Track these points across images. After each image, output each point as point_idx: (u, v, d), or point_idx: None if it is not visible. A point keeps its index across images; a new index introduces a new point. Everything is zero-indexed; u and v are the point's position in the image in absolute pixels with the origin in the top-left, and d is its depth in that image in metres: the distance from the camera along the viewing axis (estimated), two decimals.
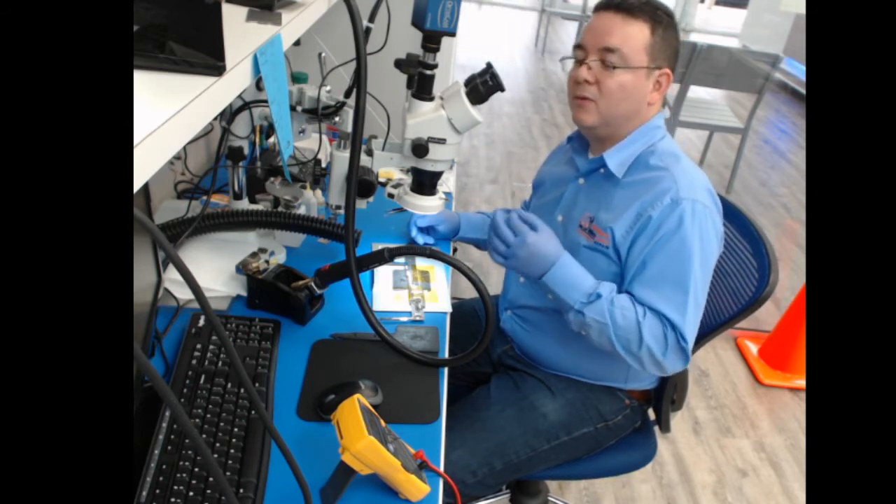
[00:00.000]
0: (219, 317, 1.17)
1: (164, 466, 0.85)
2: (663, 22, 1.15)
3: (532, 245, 1.11)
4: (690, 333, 1.10)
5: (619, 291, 1.17)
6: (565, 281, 1.12)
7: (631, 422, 1.32)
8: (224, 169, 1.37)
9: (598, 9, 1.18)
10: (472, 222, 1.51)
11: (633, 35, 1.13)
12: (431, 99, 1.11)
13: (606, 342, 1.11)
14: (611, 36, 1.13)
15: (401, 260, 1.40)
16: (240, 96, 1.23)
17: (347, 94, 1.27)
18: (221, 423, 0.94)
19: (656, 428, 1.41)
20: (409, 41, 1.18)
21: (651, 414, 1.40)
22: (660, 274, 1.11)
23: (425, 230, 1.47)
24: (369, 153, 1.19)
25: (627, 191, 1.16)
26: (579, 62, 1.18)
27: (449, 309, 1.30)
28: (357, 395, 0.87)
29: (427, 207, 1.21)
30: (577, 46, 1.19)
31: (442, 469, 0.95)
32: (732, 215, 1.38)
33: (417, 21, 1.05)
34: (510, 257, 1.13)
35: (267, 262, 1.22)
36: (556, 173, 1.36)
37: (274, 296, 1.19)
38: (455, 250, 1.71)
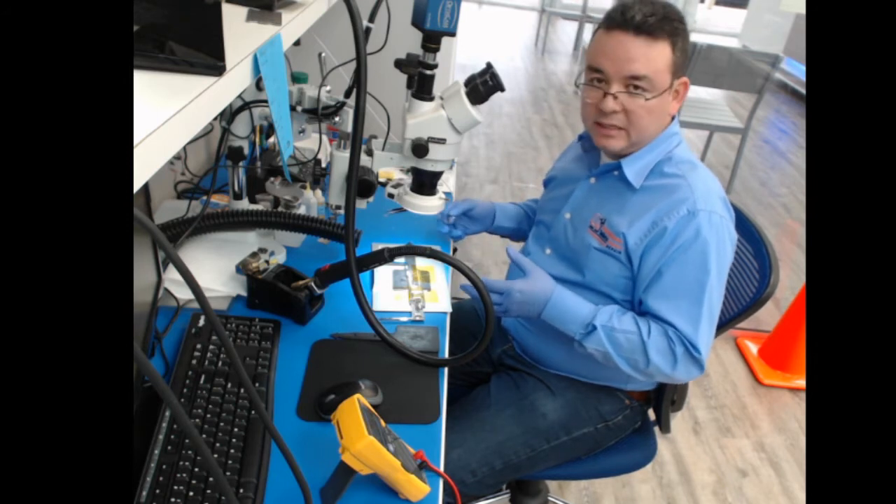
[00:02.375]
0: (219, 317, 1.17)
1: (164, 466, 0.85)
2: (680, 33, 1.10)
3: (520, 293, 1.15)
4: (704, 344, 1.10)
5: (632, 299, 1.18)
6: (561, 316, 1.16)
7: (631, 422, 1.32)
8: (224, 169, 1.37)
9: (611, 27, 1.10)
10: (507, 212, 1.49)
11: (658, 58, 1.08)
12: (431, 99, 1.11)
13: (613, 365, 1.14)
14: (636, 63, 1.08)
15: (401, 260, 1.40)
16: (240, 96, 1.23)
17: (347, 94, 1.27)
18: (221, 423, 0.94)
19: (656, 428, 1.41)
20: (409, 41, 1.18)
21: (651, 414, 1.40)
22: (675, 285, 1.11)
23: (457, 219, 1.41)
24: (369, 153, 1.19)
25: (642, 196, 1.16)
26: (598, 87, 1.13)
27: (449, 309, 1.30)
28: (357, 395, 0.87)
29: (427, 207, 1.21)
30: (594, 70, 1.13)
31: (442, 469, 0.95)
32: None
33: (417, 21, 1.05)
34: (507, 311, 1.17)
35: (267, 262, 1.22)
36: (568, 170, 1.36)
37: (274, 296, 1.19)
38: (455, 250, 1.72)
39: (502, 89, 1.09)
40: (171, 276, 1.17)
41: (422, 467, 0.91)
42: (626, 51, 1.08)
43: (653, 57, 1.08)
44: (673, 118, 1.20)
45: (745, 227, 1.35)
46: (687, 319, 1.10)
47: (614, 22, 1.10)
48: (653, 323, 1.12)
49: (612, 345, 1.12)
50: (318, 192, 1.47)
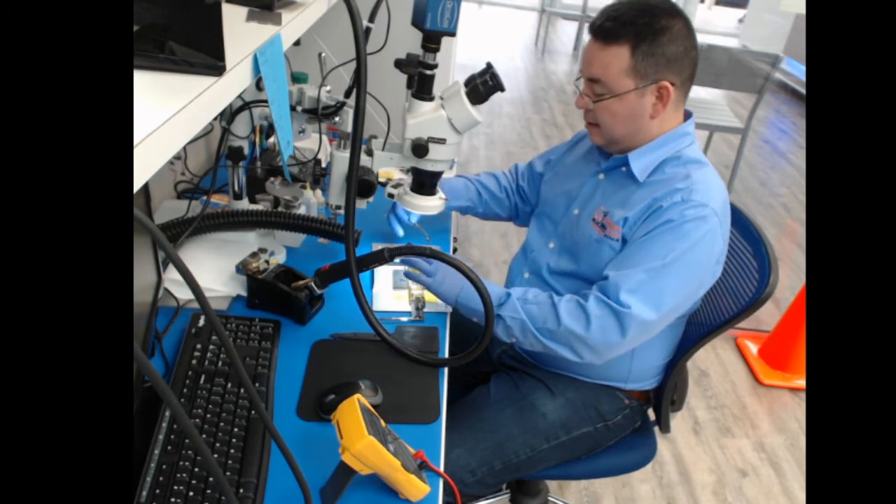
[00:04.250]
0: (219, 317, 1.17)
1: (164, 466, 0.85)
2: (647, 37, 1.09)
3: (447, 267, 1.17)
4: (635, 301, 1.07)
5: None
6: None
7: (630, 422, 1.32)
8: (224, 169, 1.37)
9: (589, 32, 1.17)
10: (455, 190, 1.48)
11: (610, 62, 1.12)
12: (431, 99, 1.11)
13: (534, 340, 1.13)
14: (591, 66, 1.15)
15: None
16: (240, 96, 1.23)
17: (347, 94, 1.27)
18: (221, 423, 0.94)
19: (656, 428, 1.41)
20: (409, 41, 1.18)
21: (651, 414, 1.40)
22: (635, 253, 1.11)
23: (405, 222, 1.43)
24: (369, 153, 1.19)
25: (646, 190, 1.17)
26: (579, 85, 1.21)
27: (449, 309, 1.30)
28: (357, 395, 0.87)
29: (427, 207, 1.21)
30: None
31: (442, 469, 0.95)
32: (733, 215, 1.37)
33: (417, 21, 1.05)
34: (434, 276, 1.18)
35: (267, 262, 1.22)
36: (577, 166, 1.36)
37: (274, 296, 1.19)
38: (455, 250, 1.72)
39: (502, 89, 1.09)
40: (171, 276, 1.17)
41: (422, 467, 0.92)
42: (587, 54, 1.16)
43: (606, 61, 1.12)
44: (689, 116, 1.22)
45: (744, 227, 1.35)
46: (623, 277, 1.09)
47: (589, 27, 1.17)
48: (567, 294, 1.14)
49: (526, 313, 1.13)
50: (318, 192, 1.47)
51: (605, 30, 1.11)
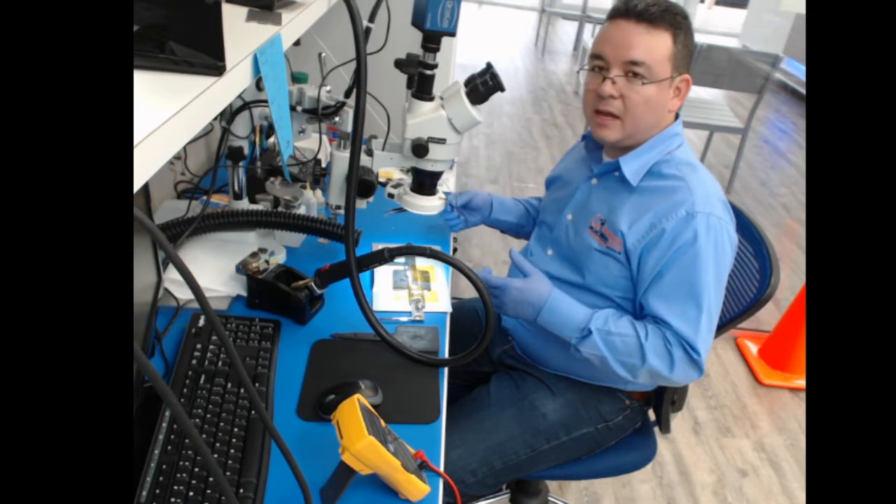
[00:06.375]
0: (219, 317, 1.17)
1: (164, 466, 0.85)
2: (683, 27, 1.12)
3: (517, 292, 1.15)
4: (703, 346, 1.10)
5: (633, 299, 1.17)
6: (557, 321, 1.15)
7: (631, 422, 1.32)
8: (224, 169, 1.37)
9: (615, 17, 1.14)
10: (506, 206, 1.51)
11: (657, 46, 1.10)
12: (431, 99, 1.11)
13: (610, 370, 1.14)
14: (635, 48, 1.10)
15: (401, 260, 1.40)
16: (240, 96, 1.23)
17: (347, 94, 1.27)
18: (221, 423, 0.94)
19: (656, 428, 1.41)
20: (409, 41, 1.18)
21: (651, 414, 1.40)
22: (674, 287, 1.11)
23: (460, 208, 1.47)
24: (369, 153, 1.19)
25: (641, 197, 1.16)
26: (598, 73, 1.15)
27: (449, 309, 1.30)
28: (357, 395, 0.87)
29: (427, 207, 1.21)
30: (596, 56, 1.15)
31: (442, 469, 0.94)
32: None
33: (417, 21, 1.05)
34: (502, 307, 1.17)
35: (267, 262, 1.22)
36: (571, 171, 1.36)
37: (274, 296, 1.19)
38: (455, 250, 1.72)
39: (502, 89, 1.09)
40: (171, 276, 1.17)
41: (422, 467, 0.92)
42: (626, 37, 1.11)
43: (652, 45, 1.10)
44: (677, 117, 1.20)
45: (745, 227, 1.35)
46: (686, 321, 1.10)
47: (618, 12, 1.14)
48: (650, 325, 1.12)
49: (608, 348, 1.11)
50: (318, 192, 1.47)
51: (650, 14, 1.10)
